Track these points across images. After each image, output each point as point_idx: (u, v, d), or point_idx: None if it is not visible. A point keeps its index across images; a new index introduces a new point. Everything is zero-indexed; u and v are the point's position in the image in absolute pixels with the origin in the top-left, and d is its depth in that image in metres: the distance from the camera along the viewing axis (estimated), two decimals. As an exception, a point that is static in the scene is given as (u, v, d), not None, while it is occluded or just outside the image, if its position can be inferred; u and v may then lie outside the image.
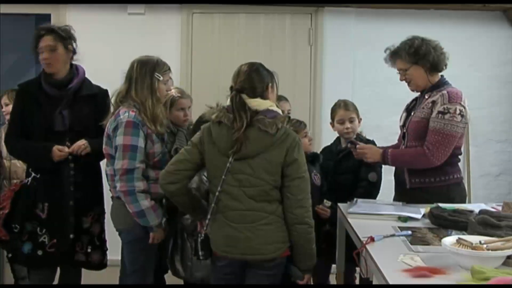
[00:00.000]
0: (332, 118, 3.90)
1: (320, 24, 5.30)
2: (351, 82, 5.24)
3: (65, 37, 3.52)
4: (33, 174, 3.48)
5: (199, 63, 5.31)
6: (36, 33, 3.50)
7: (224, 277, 2.91)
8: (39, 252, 3.43)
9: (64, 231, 3.45)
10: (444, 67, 3.48)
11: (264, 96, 2.82)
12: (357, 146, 3.52)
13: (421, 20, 5.23)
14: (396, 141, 3.71)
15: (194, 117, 3.70)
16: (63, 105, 3.47)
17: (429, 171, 3.37)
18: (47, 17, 5.38)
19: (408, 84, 3.51)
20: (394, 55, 3.49)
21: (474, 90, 5.20)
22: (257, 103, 2.78)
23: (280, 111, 2.83)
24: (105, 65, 4.65)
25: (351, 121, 3.80)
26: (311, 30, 5.32)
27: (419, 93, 3.55)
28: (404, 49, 3.42)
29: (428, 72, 3.43)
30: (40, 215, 3.44)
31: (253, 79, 2.81)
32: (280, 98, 3.91)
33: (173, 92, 3.65)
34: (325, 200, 3.68)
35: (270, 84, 2.86)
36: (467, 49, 5.31)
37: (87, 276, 3.76)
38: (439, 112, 3.29)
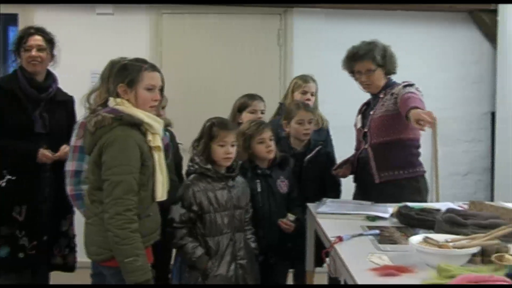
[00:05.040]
0: (290, 118, 3.74)
1: (290, 24, 5.32)
2: (320, 82, 5.25)
3: (52, 41, 3.53)
4: (7, 177, 3.40)
5: (169, 64, 5.25)
6: (25, 31, 3.46)
7: None
8: (21, 255, 3.38)
9: (42, 234, 3.42)
10: (395, 71, 3.57)
11: (116, 95, 2.67)
12: None
13: (390, 21, 5.29)
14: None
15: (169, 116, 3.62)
16: (42, 108, 3.44)
17: (398, 164, 3.42)
18: (14, 17, 5.31)
19: (367, 87, 3.56)
20: (363, 56, 3.49)
21: (441, 91, 5.28)
22: (109, 102, 2.69)
23: (124, 109, 2.62)
24: (74, 66, 4.60)
25: (310, 122, 3.74)
26: (280, 30, 5.34)
27: (370, 97, 3.62)
28: (375, 50, 3.46)
29: (385, 75, 3.53)
30: (17, 218, 3.38)
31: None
32: (254, 98, 3.89)
33: None
34: (289, 214, 3.43)
35: (123, 84, 2.67)
36: (434, 50, 5.39)
37: (57, 279, 3.72)
38: (405, 86, 3.33)
